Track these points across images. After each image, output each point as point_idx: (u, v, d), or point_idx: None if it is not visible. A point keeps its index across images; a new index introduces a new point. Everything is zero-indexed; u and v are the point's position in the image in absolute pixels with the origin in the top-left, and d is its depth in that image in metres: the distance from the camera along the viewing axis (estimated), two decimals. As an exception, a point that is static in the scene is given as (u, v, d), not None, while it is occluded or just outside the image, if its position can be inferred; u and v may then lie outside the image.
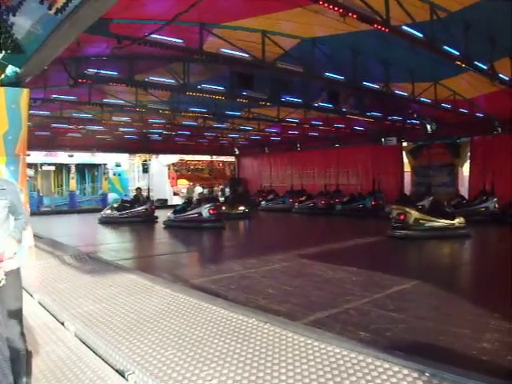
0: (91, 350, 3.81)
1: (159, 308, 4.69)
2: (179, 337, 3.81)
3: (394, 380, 2.88)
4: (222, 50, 9.70)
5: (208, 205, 16.88)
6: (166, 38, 8.73)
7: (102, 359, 3.60)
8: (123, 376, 3.23)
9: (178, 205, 19.42)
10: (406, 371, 3.00)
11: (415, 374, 2.94)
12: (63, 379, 3.26)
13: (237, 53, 9.87)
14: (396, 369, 3.05)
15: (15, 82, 6.99)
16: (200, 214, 16.85)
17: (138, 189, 21.52)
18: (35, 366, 3.48)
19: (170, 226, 17.14)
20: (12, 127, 6.93)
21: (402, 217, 12.84)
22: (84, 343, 3.97)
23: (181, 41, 9.08)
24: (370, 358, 3.26)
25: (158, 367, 3.21)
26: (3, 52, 5.91)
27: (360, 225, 18.02)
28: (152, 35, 8.18)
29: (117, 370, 3.36)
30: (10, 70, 6.92)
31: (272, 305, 6.12)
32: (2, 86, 6.86)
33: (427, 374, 2.92)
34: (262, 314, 4.53)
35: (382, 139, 22.16)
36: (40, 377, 3.31)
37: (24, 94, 7.04)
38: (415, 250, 11.76)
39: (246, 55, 9.94)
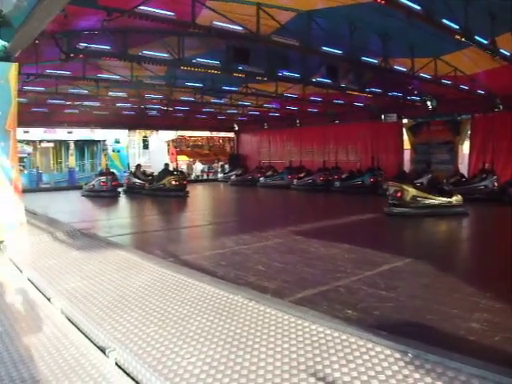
0: (75, 326, 3.78)
1: (146, 284, 4.65)
2: (162, 314, 3.77)
3: (375, 360, 2.83)
4: (215, 23, 9.51)
5: (102, 178, 20.89)
6: (157, 11, 8.57)
7: (86, 336, 3.56)
8: (104, 353, 3.20)
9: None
10: (388, 351, 2.95)
11: (398, 355, 2.88)
12: (46, 355, 3.23)
13: (231, 26, 9.68)
14: (378, 349, 2.99)
15: (4, 57, 6.87)
16: (93, 185, 21.00)
17: (139, 165, 22.44)
18: (20, 343, 3.47)
19: (84, 195, 21.14)
20: (1, 102, 6.82)
21: (398, 194, 12.78)
22: (69, 320, 3.94)
23: (172, 13, 8.89)
24: (354, 337, 3.21)
25: (138, 344, 3.17)
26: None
27: (357, 202, 17.98)
28: (142, 7, 8.02)
29: (99, 347, 3.33)
30: (-1, 44, 6.80)
31: (261, 282, 6.11)
32: (-9, 60, 6.75)
33: (410, 355, 2.86)
34: (248, 291, 4.48)
35: (382, 116, 21.97)
36: (24, 354, 3.28)
37: (13, 68, 6.91)
38: (411, 227, 11.72)
39: (240, 28, 9.77)
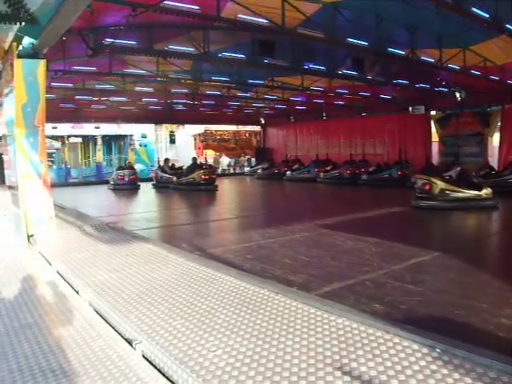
0: (103, 318, 3.84)
1: (172, 278, 4.69)
2: (188, 307, 3.80)
3: (402, 355, 2.80)
4: (240, 15, 9.47)
5: (120, 172, 22.32)
6: (182, 5, 8.60)
7: (113, 328, 3.62)
8: (131, 345, 3.24)
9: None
10: (415, 346, 2.91)
11: (425, 350, 2.84)
12: (74, 347, 3.30)
13: (256, 19, 9.62)
14: (405, 343, 2.96)
15: (32, 54, 6.98)
16: (113, 179, 22.32)
17: (167, 159, 23.27)
18: (49, 334, 3.55)
19: (110, 189, 22.06)
20: (30, 99, 6.95)
21: (426, 187, 12.62)
22: (97, 312, 4.01)
23: (197, 7, 8.90)
24: (380, 331, 3.18)
25: (164, 337, 3.19)
26: (18, 24, 5.88)
27: (385, 195, 17.81)
28: (167, 2, 8.05)
29: (126, 339, 3.37)
30: (27, 41, 6.91)
31: (287, 275, 6.09)
32: (20, 58, 6.85)
33: (438, 350, 2.82)
34: (274, 284, 4.49)
35: (410, 108, 21.67)
36: (53, 345, 3.35)
37: (41, 65, 7.03)
38: (439, 220, 11.55)
39: (265, 21, 9.72)
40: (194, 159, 21.79)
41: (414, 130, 22.48)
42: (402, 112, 22.13)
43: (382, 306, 4.82)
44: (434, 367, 2.61)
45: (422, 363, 2.67)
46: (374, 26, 10.67)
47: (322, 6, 10.00)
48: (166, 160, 23.53)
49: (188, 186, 20.15)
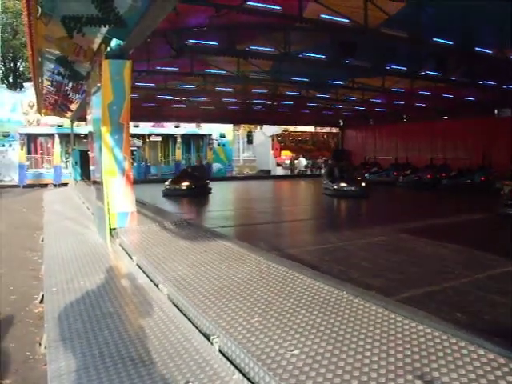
0: (181, 312, 3.91)
1: (250, 275, 4.69)
2: (266, 305, 3.78)
3: (487, 368, 2.62)
4: (322, 16, 9.38)
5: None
6: (264, 6, 8.64)
7: (191, 322, 3.67)
8: (208, 339, 3.27)
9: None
10: (502, 360, 2.72)
11: (513, 365, 2.67)
12: (152, 337, 3.40)
13: (338, 19, 9.50)
14: (491, 356, 2.78)
15: (119, 55, 7.23)
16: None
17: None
18: (129, 324, 3.66)
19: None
20: (116, 98, 7.19)
21: (514, 193, 12.00)
22: (175, 305, 4.08)
23: (279, 8, 8.93)
24: (464, 342, 3.01)
25: (241, 333, 3.19)
26: (107, 26, 6.11)
27: (467, 201, 17.11)
28: (249, 3, 8.11)
29: (203, 334, 3.41)
30: (114, 43, 7.17)
31: (365, 278, 5.99)
32: (107, 58, 7.11)
33: (527, 367, 2.64)
34: (352, 287, 4.38)
35: (495, 110, 20.72)
36: (132, 334, 3.46)
37: (127, 65, 7.25)
38: (527, 229, 10.96)
39: (347, 21, 9.58)
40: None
41: (500, 134, 21.45)
42: (486, 115, 21.20)
43: (464, 316, 4.63)
44: (523, 384, 2.44)
45: (510, 379, 2.50)
46: (460, 24, 10.25)
47: (405, 4, 9.71)
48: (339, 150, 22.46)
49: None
